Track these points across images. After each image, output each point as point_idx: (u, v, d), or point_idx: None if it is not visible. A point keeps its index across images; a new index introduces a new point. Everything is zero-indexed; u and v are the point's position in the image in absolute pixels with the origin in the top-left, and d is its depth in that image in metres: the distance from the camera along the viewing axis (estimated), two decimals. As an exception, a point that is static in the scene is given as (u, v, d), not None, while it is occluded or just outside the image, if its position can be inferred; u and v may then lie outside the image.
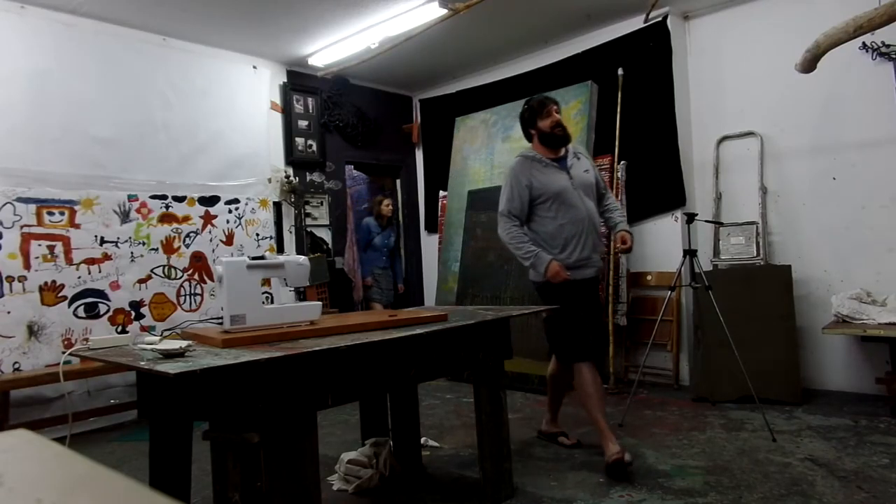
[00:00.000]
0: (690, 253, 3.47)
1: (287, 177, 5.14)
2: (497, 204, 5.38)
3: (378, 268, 5.64)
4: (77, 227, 3.87)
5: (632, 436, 3.20)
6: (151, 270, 4.20)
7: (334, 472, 2.73)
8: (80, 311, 3.84)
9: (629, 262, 4.56)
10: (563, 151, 2.91)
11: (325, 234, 5.50)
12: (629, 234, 2.91)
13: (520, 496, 2.47)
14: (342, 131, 5.71)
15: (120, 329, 4.00)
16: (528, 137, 2.98)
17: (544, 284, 2.80)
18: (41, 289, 3.69)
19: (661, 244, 4.50)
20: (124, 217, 4.10)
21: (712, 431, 3.20)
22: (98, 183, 4.00)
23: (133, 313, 4.09)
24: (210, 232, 4.55)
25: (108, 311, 3.97)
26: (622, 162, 4.47)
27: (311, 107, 5.44)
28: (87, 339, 3.42)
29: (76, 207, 3.88)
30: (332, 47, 4.86)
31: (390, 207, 5.74)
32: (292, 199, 5.20)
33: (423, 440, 3.08)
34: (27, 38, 3.77)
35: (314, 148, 5.45)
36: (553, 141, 2.86)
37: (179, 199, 4.39)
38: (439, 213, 5.84)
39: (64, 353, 3.24)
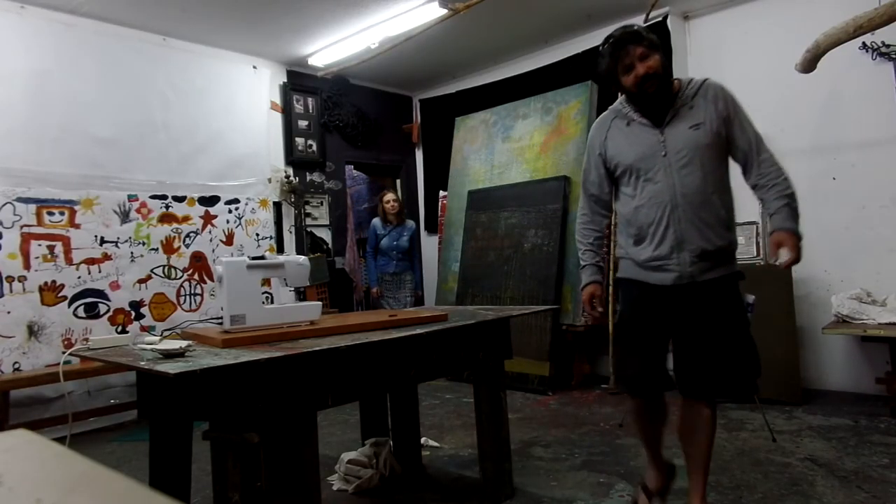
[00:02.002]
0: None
1: (287, 177, 5.14)
2: (498, 203, 5.39)
3: (387, 274, 4.97)
4: (77, 227, 3.87)
5: (632, 436, 3.20)
6: (151, 270, 4.20)
7: (334, 472, 2.73)
8: (80, 311, 3.84)
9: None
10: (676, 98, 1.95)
11: (325, 234, 5.50)
12: (791, 235, 1.81)
13: (520, 496, 2.46)
14: (342, 131, 5.71)
15: (120, 329, 4.00)
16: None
17: (622, 280, 2.13)
18: (41, 289, 3.69)
19: (661, 244, 4.49)
20: (124, 217, 4.10)
21: (712, 431, 3.20)
22: (98, 183, 4.00)
23: (133, 313, 4.09)
24: (210, 232, 4.55)
25: (108, 311, 3.97)
26: (622, 162, 4.46)
27: (311, 107, 5.44)
28: (87, 339, 3.42)
29: (76, 207, 3.88)
30: (332, 47, 4.86)
31: (393, 204, 4.99)
32: (292, 199, 5.20)
33: (423, 440, 3.08)
34: (27, 38, 3.76)
35: (314, 148, 5.45)
36: (646, 101, 1.92)
37: (179, 199, 4.39)
38: (439, 213, 5.84)
39: (64, 353, 3.24)
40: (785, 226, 1.83)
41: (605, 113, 2.11)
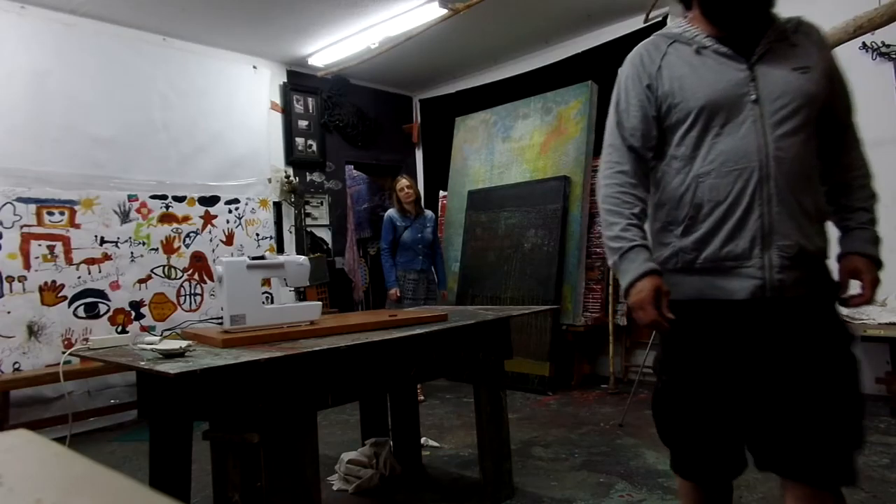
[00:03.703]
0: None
1: (287, 177, 5.14)
2: (498, 203, 5.37)
3: (412, 272, 4.23)
4: (77, 227, 3.87)
5: (632, 436, 3.20)
6: (151, 270, 4.20)
7: (334, 472, 2.73)
8: (80, 311, 3.84)
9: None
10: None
11: (325, 234, 5.50)
12: (872, 265, 1.35)
13: (520, 496, 2.46)
14: (342, 131, 5.71)
15: (120, 329, 4.00)
16: (687, 3, 1.43)
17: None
18: (41, 289, 3.69)
19: (661, 244, 4.50)
20: (124, 217, 4.10)
21: (712, 431, 3.20)
22: (98, 183, 4.00)
23: (133, 313, 4.09)
24: (210, 232, 4.55)
25: (108, 311, 3.97)
26: (622, 162, 4.46)
27: (311, 107, 5.44)
28: (87, 339, 3.42)
29: (76, 207, 3.87)
30: (332, 47, 4.86)
31: (408, 191, 4.26)
32: (292, 199, 5.20)
33: (423, 440, 3.08)
34: (27, 38, 3.76)
35: (314, 148, 5.45)
36: (738, 16, 1.31)
37: (179, 199, 4.39)
38: (439, 213, 5.84)
39: (64, 353, 3.23)
40: (866, 251, 1.35)
41: (650, 39, 1.44)
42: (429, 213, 4.46)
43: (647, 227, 1.41)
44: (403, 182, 4.31)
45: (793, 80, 1.29)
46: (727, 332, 1.30)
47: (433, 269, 4.37)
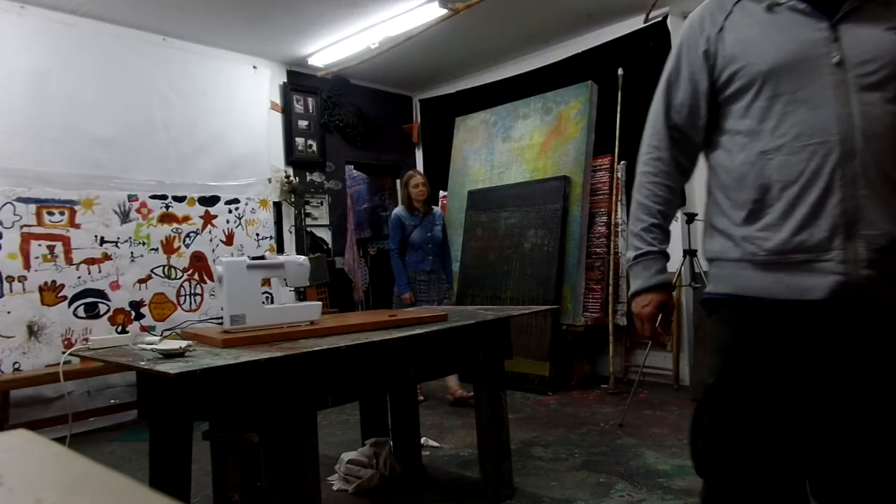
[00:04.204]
0: (690, 253, 3.47)
1: (287, 177, 5.14)
2: (498, 203, 5.38)
3: (422, 273, 4.03)
4: (77, 227, 3.87)
5: (632, 436, 3.20)
6: (151, 270, 4.20)
7: (334, 472, 2.73)
8: (80, 311, 3.84)
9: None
10: None
11: (325, 234, 5.50)
12: None
13: (520, 496, 2.46)
14: (342, 131, 5.71)
15: (120, 329, 3.99)
16: None
17: (714, 301, 1.25)
18: (41, 289, 3.68)
19: (661, 244, 4.49)
20: (124, 217, 4.10)
21: (712, 431, 3.20)
22: (98, 183, 4.00)
23: (133, 313, 4.09)
24: (210, 232, 4.55)
25: (108, 311, 3.96)
26: (622, 162, 4.47)
27: (311, 107, 5.45)
28: (87, 339, 3.42)
29: (76, 207, 3.87)
30: (332, 47, 4.86)
31: (422, 189, 4.05)
32: (292, 199, 5.20)
33: (423, 440, 3.08)
34: (27, 38, 3.76)
35: (314, 148, 5.45)
36: None
37: (179, 199, 4.39)
38: (439, 213, 5.84)
39: (64, 353, 3.23)
40: None
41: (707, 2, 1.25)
42: (437, 210, 4.25)
43: (714, 213, 1.25)
44: (418, 178, 4.08)
45: (885, 42, 1.09)
46: (798, 339, 1.08)
47: (445, 267, 4.19)
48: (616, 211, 4.45)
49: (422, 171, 6.39)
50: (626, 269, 1.33)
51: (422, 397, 4.13)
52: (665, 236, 1.29)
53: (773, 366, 1.11)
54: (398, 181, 6.47)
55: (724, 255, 1.20)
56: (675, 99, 1.27)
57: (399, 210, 4.12)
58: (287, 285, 2.13)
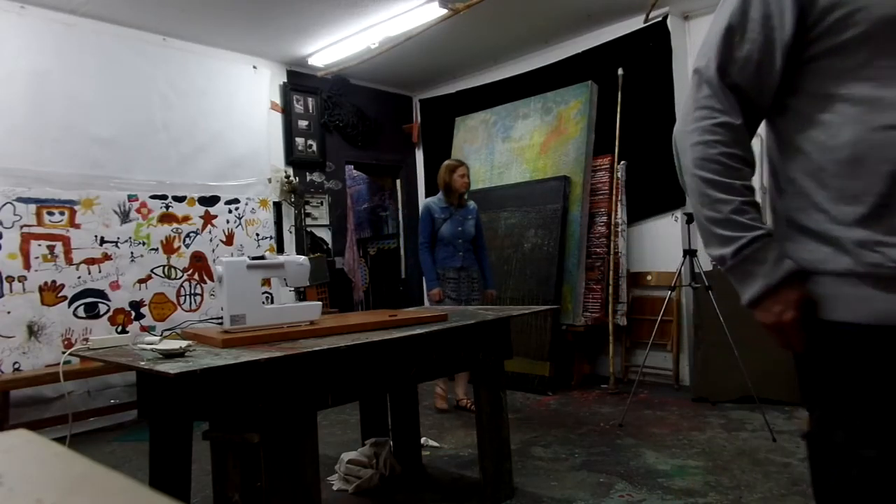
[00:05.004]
0: (690, 253, 3.47)
1: (287, 177, 5.14)
2: (498, 203, 5.38)
3: (452, 269, 3.77)
4: (77, 227, 3.87)
5: (632, 436, 3.20)
6: (151, 270, 4.20)
7: (334, 472, 2.73)
8: (80, 311, 3.84)
9: (629, 261, 4.56)
10: None
11: (325, 234, 5.50)
12: None
13: (520, 496, 2.46)
14: (342, 131, 5.71)
15: (120, 329, 4.00)
16: None
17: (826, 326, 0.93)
18: (41, 289, 3.68)
19: (661, 244, 4.50)
20: (124, 217, 4.10)
21: (712, 431, 3.20)
22: (98, 183, 4.00)
23: (133, 313, 4.09)
24: (210, 232, 4.55)
25: (108, 311, 3.96)
26: (622, 162, 4.47)
27: (311, 107, 5.44)
28: (87, 339, 3.42)
29: (76, 207, 3.87)
30: (332, 47, 4.86)
31: (467, 180, 3.84)
32: (292, 199, 5.20)
33: (423, 440, 3.08)
34: (27, 38, 3.76)
35: (314, 148, 5.45)
36: None
37: (179, 199, 4.39)
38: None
39: (64, 353, 3.23)
40: None
41: None
42: (472, 204, 3.96)
43: (804, 206, 0.95)
44: (465, 169, 3.82)
45: None
46: None
47: (479, 266, 3.89)
48: (616, 211, 4.45)
49: (422, 171, 6.41)
50: (721, 267, 1.01)
51: (472, 407, 3.55)
52: (759, 212, 0.97)
53: None
54: (398, 181, 6.49)
55: (823, 266, 0.91)
56: (738, 51, 0.95)
57: (431, 200, 3.87)
58: (287, 285, 2.13)
